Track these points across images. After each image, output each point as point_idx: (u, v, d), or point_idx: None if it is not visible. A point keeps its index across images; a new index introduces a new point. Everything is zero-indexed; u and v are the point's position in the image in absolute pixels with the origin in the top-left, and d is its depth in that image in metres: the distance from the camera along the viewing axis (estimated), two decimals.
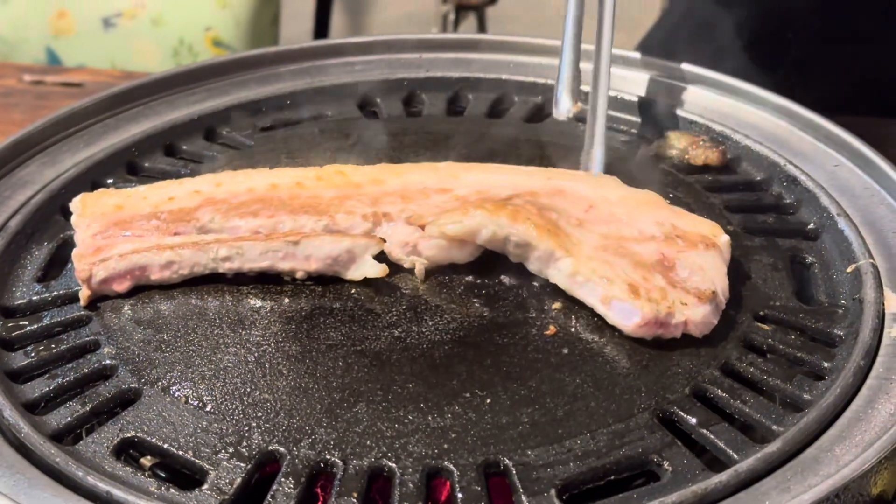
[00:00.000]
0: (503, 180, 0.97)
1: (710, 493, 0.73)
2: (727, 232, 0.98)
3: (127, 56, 2.58)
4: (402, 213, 0.94)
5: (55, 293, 0.95)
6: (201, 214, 0.96)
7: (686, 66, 1.18)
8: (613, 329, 0.87)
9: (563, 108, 1.00)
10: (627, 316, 0.85)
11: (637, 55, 1.20)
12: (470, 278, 0.92)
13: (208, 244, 0.92)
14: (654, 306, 0.84)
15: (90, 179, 1.09)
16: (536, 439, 0.78)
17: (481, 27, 2.94)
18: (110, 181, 1.09)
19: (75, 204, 0.98)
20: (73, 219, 0.97)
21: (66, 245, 1.01)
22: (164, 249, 0.92)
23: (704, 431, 0.79)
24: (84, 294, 0.92)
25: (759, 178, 1.07)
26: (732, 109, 1.15)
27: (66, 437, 0.81)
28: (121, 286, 0.92)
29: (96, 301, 0.93)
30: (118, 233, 0.95)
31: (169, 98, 1.20)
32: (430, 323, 0.88)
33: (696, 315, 0.85)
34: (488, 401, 0.80)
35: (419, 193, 0.96)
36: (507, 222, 0.89)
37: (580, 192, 0.96)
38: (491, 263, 0.92)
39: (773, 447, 0.76)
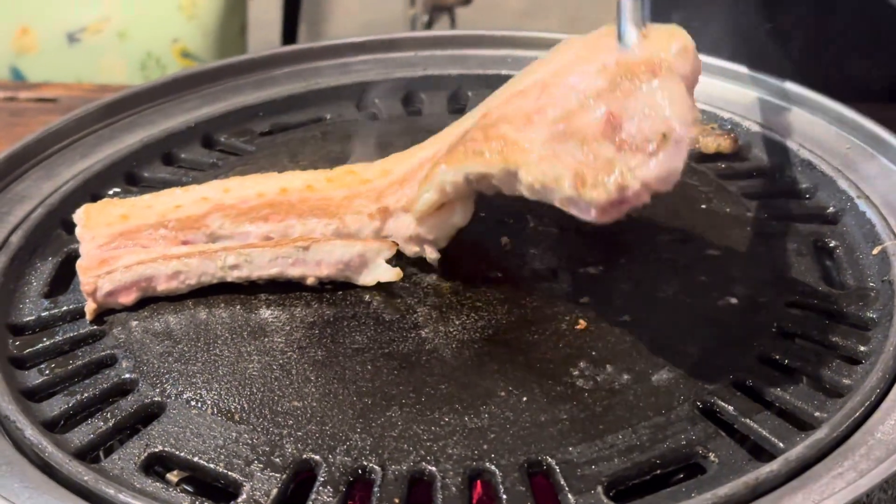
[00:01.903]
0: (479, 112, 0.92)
1: (762, 483, 0.72)
2: (746, 219, 0.97)
3: (94, 71, 2.54)
4: (398, 202, 0.92)
5: (64, 308, 0.93)
6: (210, 221, 0.94)
7: None
8: (647, 321, 0.85)
9: (630, 39, 0.86)
10: (586, 211, 0.77)
11: None
12: (493, 274, 0.91)
13: (215, 252, 0.90)
14: (602, 190, 0.75)
15: (89, 192, 1.06)
16: (577, 436, 0.76)
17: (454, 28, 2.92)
18: (111, 192, 1.07)
19: (79, 215, 0.96)
20: (77, 231, 0.95)
21: (71, 259, 0.98)
22: (170, 259, 0.90)
23: (747, 421, 0.78)
24: (90, 307, 0.89)
25: (771, 164, 1.06)
26: (738, 96, 1.14)
27: (89, 454, 0.79)
28: (127, 298, 0.90)
29: (103, 315, 0.90)
30: (124, 244, 0.93)
31: (162, 106, 1.18)
32: (457, 322, 0.86)
33: (649, 173, 0.75)
34: (524, 399, 0.79)
35: (415, 171, 0.94)
36: (458, 166, 0.85)
37: (536, 78, 0.87)
38: (512, 259, 0.90)
39: (820, 433, 0.75)
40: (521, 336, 0.84)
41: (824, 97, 1.09)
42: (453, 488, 0.73)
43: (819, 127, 1.08)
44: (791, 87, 1.12)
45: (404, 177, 0.94)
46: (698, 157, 1.06)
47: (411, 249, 0.92)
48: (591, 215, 0.76)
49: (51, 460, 0.77)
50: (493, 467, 0.74)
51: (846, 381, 0.81)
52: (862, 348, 0.84)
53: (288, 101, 1.18)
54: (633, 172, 0.74)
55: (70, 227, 0.99)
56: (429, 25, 2.77)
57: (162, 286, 0.91)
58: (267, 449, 0.76)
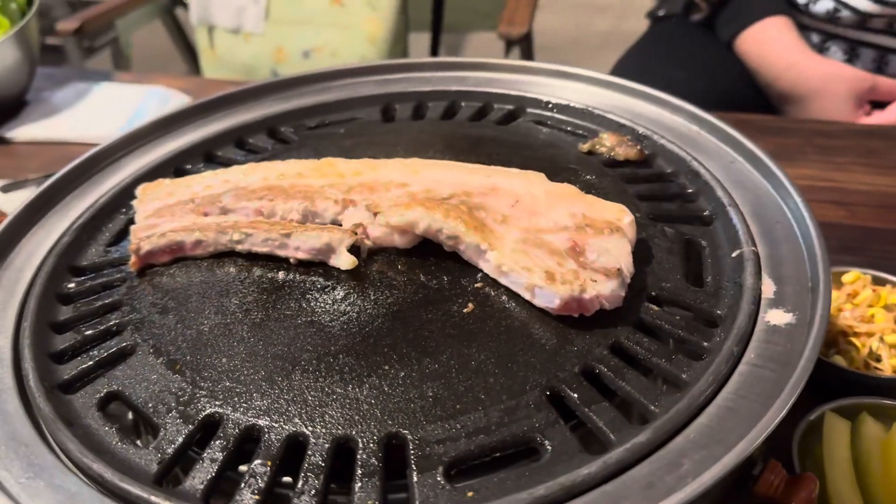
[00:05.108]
0: (450, 178, 0.65)
1: (577, 485, 0.43)
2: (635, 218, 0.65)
3: None
4: (364, 201, 0.63)
5: (114, 256, 0.67)
6: (224, 198, 0.67)
7: (620, 81, 0.83)
8: (525, 309, 0.55)
9: None
10: (549, 299, 0.53)
11: (582, 71, 0.85)
12: (420, 260, 0.60)
13: (226, 227, 0.63)
14: (569, 287, 0.53)
15: (173, 166, 0.80)
16: (436, 413, 0.48)
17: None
18: (189, 167, 0.80)
19: (138, 191, 0.70)
20: (134, 203, 0.69)
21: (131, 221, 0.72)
22: (194, 230, 0.64)
23: (586, 410, 0.48)
24: (132, 262, 0.64)
25: (668, 171, 0.72)
26: (656, 115, 0.80)
27: (73, 386, 0.54)
28: (162, 258, 0.64)
29: (145, 268, 0.64)
30: (166, 214, 0.67)
31: (248, 104, 0.90)
32: (373, 297, 0.57)
33: (605, 289, 0.53)
34: (402, 374, 0.51)
35: (383, 186, 0.65)
36: (441, 218, 0.58)
37: (510, 189, 0.63)
38: (439, 246, 0.61)
39: (643, 436, 0.45)
40: (418, 314, 0.55)
41: (717, 118, 0.75)
42: (318, 456, 0.46)
43: (712, 143, 0.74)
44: (694, 109, 0.78)
45: (373, 185, 0.65)
46: (612, 163, 0.73)
47: (349, 229, 0.63)
48: (554, 303, 0.54)
49: (28, 392, 0.53)
50: (356, 437, 0.47)
51: (684, 377, 0.50)
52: (705, 344, 0.53)
53: (335, 105, 0.89)
54: (595, 284, 0.54)
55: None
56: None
57: (189, 251, 0.64)
58: (185, 399, 0.50)
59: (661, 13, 1.68)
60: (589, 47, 4.13)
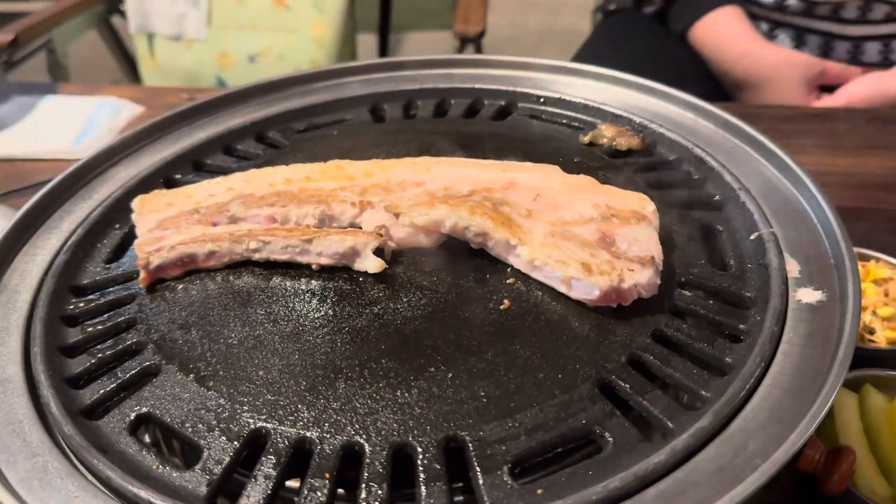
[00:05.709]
0: (466, 174, 0.64)
1: (649, 475, 0.42)
2: None
3: None
4: (382, 202, 0.62)
5: (118, 272, 0.64)
6: (231, 206, 0.65)
7: (613, 73, 0.84)
8: (561, 301, 0.55)
9: None
10: (588, 291, 0.53)
11: (576, 66, 0.86)
12: (444, 259, 0.59)
13: (242, 236, 0.61)
14: (607, 277, 0.53)
15: (161, 176, 0.76)
16: (491, 413, 0.47)
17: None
18: (178, 176, 0.77)
19: (135, 204, 0.67)
20: (133, 216, 0.66)
21: (131, 233, 0.69)
22: (206, 242, 0.61)
23: (640, 399, 0.48)
24: (142, 277, 0.61)
25: (671, 159, 0.73)
26: (650, 105, 0.80)
27: (95, 410, 0.51)
28: (173, 272, 0.61)
29: (154, 283, 0.61)
30: (170, 226, 0.64)
31: (230, 109, 0.87)
32: (405, 300, 0.56)
33: (642, 278, 0.53)
34: (450, 375, 0.49)
35: (398, 186, 0.64)
36: (467, 215, 0.57)
37: (528, 183, 0.63)
38: (462, 244, 0.60)
39: (704, 421, 0.45)
40: (455, 314, 0.54)
41: (713, 106, 0.76)
42: (378, 464, 0.44)
43: (709, 129, 0.75)
44: (689, 98, 0.79)
45: (386, 186, 0.64)
46: (614, 154, 0.74)
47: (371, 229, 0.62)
48: (593, 294, 0.53)
49: (52, 420, 0.49)
50: (414, 443, 0.45)
51: (728, 360, 0.50)
52: (742, 326, 0.53)
53: (321, 107, 0.87)
54: (632, 273, 0.53)
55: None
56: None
57: (201, 263, 0.61)
58: (226, 416, 0.48)
59: (611, 7, 1.69)
60: (526, 44, 4.16)
